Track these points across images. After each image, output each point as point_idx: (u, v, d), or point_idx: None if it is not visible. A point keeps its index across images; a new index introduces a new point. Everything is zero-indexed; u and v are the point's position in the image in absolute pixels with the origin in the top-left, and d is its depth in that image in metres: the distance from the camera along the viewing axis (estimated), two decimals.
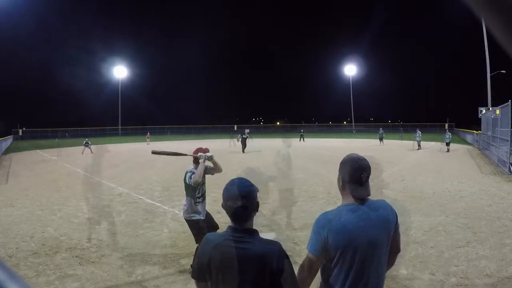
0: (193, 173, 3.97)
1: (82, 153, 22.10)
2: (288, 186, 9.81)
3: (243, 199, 1.56)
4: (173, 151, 4.50)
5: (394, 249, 1.76)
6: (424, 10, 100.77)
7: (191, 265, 4.12)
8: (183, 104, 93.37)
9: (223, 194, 1.63)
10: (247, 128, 25.88)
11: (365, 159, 1.71)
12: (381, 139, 22.52)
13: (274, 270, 1.52)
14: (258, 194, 1.67)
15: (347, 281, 1.60)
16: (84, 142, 23.73)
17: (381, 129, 27.75)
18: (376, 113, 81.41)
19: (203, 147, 4.15)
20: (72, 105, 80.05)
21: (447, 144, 20.51)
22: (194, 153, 4.09)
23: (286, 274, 1.54)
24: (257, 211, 1.67)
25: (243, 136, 21.53)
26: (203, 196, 4.15)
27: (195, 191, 4.04)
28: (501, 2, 0.35)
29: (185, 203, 4.14)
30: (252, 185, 1.64)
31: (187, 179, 4.00)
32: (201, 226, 4.02)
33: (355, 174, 1.66)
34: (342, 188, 1.74)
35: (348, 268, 1.59)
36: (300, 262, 1.72)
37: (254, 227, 1.65)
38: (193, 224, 4.09)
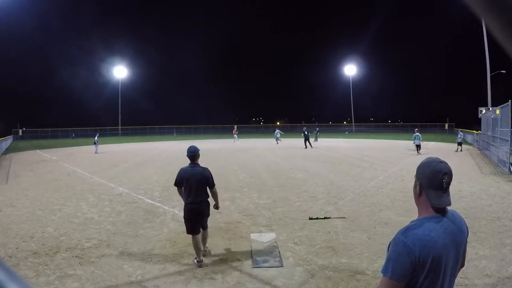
0: None
1: (96, 152, 22.48)
2: (288, 186, 9.81)
3: (193, 153, 4.58)
4: None
5: (461, 263, 1.59)
6: (424, 10, 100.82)
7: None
8: (183, 104, 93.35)
9: (187, 151, 4.59)
10: (278, 128, 37.30)
11: (446, 162, 1.51)
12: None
13: (208, 177, 4.55)
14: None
15: None
16: (96, 136, 23.98)
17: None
18: (376, 113, 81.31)
19: None
20: (72, 105, 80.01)
21: (459, 144, 20.67)
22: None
23: (211, 178, 4.58)
24: (199, 157, 4.64)
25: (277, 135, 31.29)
26: None
27: None
28: (501, 2, 0.35)
29: None
30: (197, 149, 4.63)
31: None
32: None
33: (436, 178, 1.45)
34: (419, 195, 1.53)
35: (435, 286, 1.44)
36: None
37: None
38: None
